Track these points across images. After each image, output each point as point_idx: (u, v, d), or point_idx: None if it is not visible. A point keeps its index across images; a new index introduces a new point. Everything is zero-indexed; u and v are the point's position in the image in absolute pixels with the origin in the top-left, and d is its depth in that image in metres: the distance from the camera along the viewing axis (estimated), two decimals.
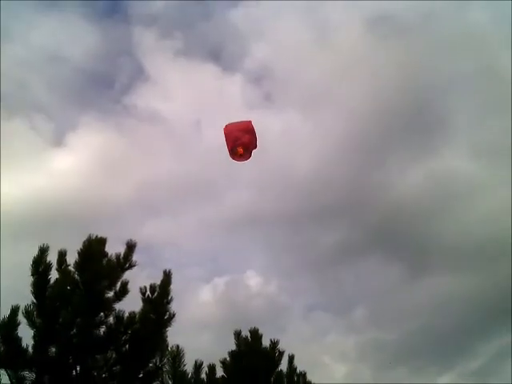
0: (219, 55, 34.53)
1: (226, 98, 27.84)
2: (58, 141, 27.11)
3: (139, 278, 7.71)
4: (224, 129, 9.21)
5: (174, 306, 7.03)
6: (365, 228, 24.57)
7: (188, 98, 29.28)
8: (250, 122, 9.21)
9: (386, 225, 23.44)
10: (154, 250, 23.14)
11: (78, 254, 6.66)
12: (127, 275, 7.16)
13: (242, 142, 8.96)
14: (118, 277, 6.99)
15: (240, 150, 8.97)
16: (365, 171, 25.27)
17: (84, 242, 6.72)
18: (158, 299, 6.96)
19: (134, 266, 7.15)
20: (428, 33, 25.49)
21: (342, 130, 25.57)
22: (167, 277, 7.20)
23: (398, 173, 25.41)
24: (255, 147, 9.30)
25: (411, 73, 24.61)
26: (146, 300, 6.98)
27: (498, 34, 24.68)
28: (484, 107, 25.36)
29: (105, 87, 34.21)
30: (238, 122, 9.32)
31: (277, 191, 25.37)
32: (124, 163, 26.33)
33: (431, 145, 25.49)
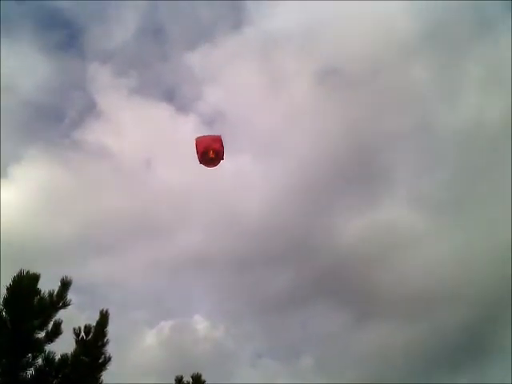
0: (173, 96, 34.87)
1: (178, 139, 27.95)
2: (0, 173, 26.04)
3: (78, 320, 7.28)
4: (196, 139, 10.09)
5: (116, 350, 6.69)
6: (311, 274, 24.78)
7: (140, 136, 29.18)
8: (219, 135, 10.14)
9: (332, 271, 23.78)
10: (97, 291, 22.27)
11: (7, 289, 6.20)
12: (65, 316, 6.77)
13: (213, 147, 9.80)
14: (51, 316, 6.57)
15: (211, 154, 9.73)
16: (311, 217, 25.77)
17: (14, 278, 6.28)
18: (93, 341, 6.56)
19: (68, 305, 6.72)
20: (374, 87, 27.00)
21: (290, 176, 26.16)
22: (104, 317, 6.82)
23: (342, 221, 26.08)
24: (223, 158, 10.10)
25: (357, 125, 25.81)
26: (79, 342, 6.57)
27: (439, 91, 26.50)
28: (424, 161, 26.79)
29: (54, 121, 33.66)
30: (208, 136, 10.22)
31: (225, 233, 25.31)
32: (69, 199, 25.53)
33: (374, 195, 26.50)
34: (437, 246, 23.56)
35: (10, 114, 27.40)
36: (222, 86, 29.32)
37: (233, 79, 28.58)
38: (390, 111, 26.67)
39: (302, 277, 24.82)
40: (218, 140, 10.06)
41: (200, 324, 22.95)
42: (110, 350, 6.73)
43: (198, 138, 10.22)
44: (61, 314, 6.70)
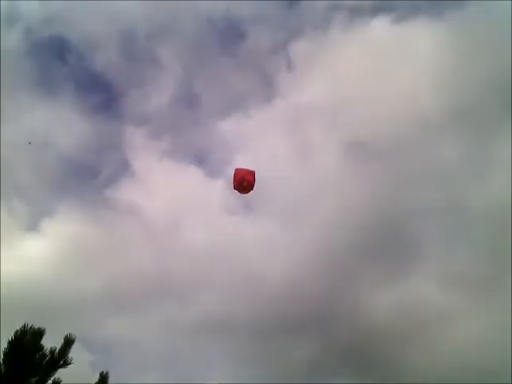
0: (203, 161, 35.93)
1: (206, 202, 28.38)
2: (31, 226, 26.80)
3: (91, 380, 7.11)
4: (236, 170, 12.53)
5: None
6: (335, 347, 23.78)
7: (169, 197, 29.81)
8: (254, 170, 12.47)
9: (355, 347, 22.78)
10: (114, 350, 21.99)
11: (8, 343, 6.18)
12: (78, 374, 6.64)
13: (247, 179, 12.24)
14: (50, 374, 6.46)
15: (245, 184, 12.23)
16: (336, 289, 25.11)
17: (16, 332, 6.26)
18: None
19: (70, 364, 6.60)
20: (400, 161, 27.06)
21: (315, 246, 25.87)
22: (103, 380, 6.68)
23: (369, 294, 25.30)
24: (252, 188, 12.50)
25: (385, 198, 25.65)
26: None
27: (467, 168, 26.26)
28: (454, 237, 26.09)
29: (88, 178, 34.92)
30: (245, 169, 12.67)
31: (247, 299, 24.89)
32: (97, 256, 25.91)
33: (402, 270, 25.77)
34: (467, 326, 22.40)
35: (46, 169, 28.64)
36: (252, 153, 30.04)
37: (262, 148, 29.30)
38: (419, 186, 26.54)
39: (323, 350, 23.85)
40: (252, 174, 12.29)
41: None
42: None
43: (237, 169, 12.52)
44: (73, 372, 6.62)
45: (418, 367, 21.87)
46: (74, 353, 6.71)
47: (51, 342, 6.65)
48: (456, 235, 26.41)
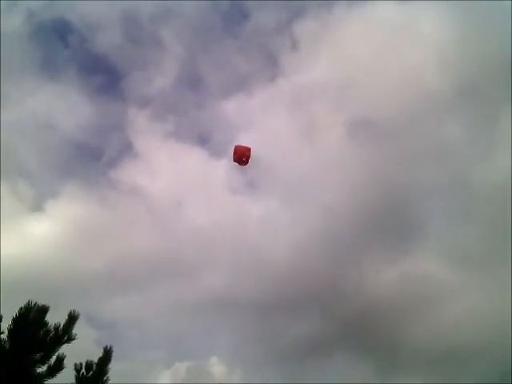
0: (207, 141, 35.82)
1: (209, 182, 28.41)
2: (37, 207, 26.91)
3: (95, 356, 7.22)
4: (235, 146, 14.81)
5: None
6: (336, 323, 24.06)
7: (173, 178, 29.83)
8: (250, 147, 14.69)
9: (358, 321, 23.01)
10: (119, 327, 22.31)
11: (13, 320, 6.27)
12: (82, 350, 6.73)
13: (246, 155, 14.45)
14: (54, 350, 6.56)
15: (244, 159, 14.37)
16: (340, 266, 25.27)
17: (20, 309, 6.34)
18: (93, 378, 6.49)
19: (73, 339, 6.70)
20: (406, 140, 26.89)
21: (319, 223, 25.93)
22: (106, 354, 6.75)
23: (372, 271, 25.44)
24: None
25: (388, 176, 25.56)
26: (80, 378, 6.50)
27: (472, 146, 26.09)
28: (457, 215, 26.08)
29: (92, 159, 34.97)
30: (242, 145, 14.91)
31: (250, 277, 25.08)
32: (102, 235, 26.09)
33: (405, 247, 25.84)
34: (469, 299, 22.57)
35: (50, 151, 28.64)
36: (255, 133, 29.95)
37: (266, 127, 29.16)
38: (423, 164, 26.44)
39: (326, 325, 24.18)
40: (249, 150, 14.52)
41: (216, 367, 22.39)
42: None
43: (236, 145, 14.76)
44: (77, 349, 6.71)
45: (420, 341, 22.15)
46: (80, 331, 6.81)
47: (56, 320, 6.74)
48: (459, 213, 26.48)
